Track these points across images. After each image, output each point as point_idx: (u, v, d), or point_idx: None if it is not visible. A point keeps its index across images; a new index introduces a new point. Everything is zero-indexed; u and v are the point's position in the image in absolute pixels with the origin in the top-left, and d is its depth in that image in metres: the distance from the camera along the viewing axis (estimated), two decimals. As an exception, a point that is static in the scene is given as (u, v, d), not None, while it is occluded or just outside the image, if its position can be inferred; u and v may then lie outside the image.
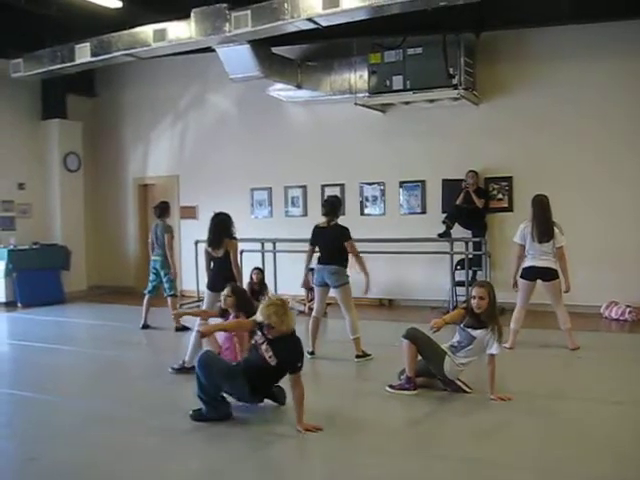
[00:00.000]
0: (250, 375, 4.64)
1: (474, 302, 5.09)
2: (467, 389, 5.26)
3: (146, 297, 8.69)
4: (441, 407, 5.03)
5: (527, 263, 6.87)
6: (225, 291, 5.55)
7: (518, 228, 6.97)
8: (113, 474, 3.92)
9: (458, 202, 9.37)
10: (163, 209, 8.73)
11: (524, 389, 5.34)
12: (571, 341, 6.81)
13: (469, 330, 5.16)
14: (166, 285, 8.57)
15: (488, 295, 5.08)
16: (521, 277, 6.91)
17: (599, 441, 4.22)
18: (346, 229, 6.69)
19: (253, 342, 4.73)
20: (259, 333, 4.63)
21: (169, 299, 8.53)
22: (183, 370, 6.01)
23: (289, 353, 4.53)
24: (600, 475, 3.71)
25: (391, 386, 5.35)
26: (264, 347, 4.58)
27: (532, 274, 6.83)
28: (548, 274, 6.77)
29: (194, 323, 6.15)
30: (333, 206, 6.78)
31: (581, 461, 3.89)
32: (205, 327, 5.18)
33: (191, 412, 4.72)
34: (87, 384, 6.13)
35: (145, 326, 8.63)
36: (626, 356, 6.62)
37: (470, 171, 9.38)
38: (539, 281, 6.87)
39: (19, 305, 10.76)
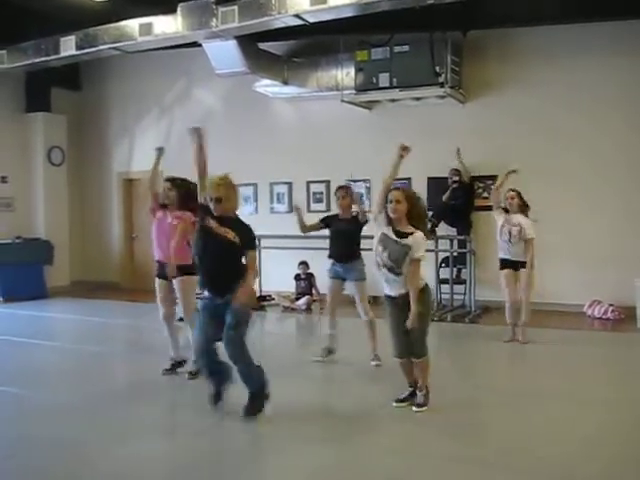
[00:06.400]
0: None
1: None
2: None
3: None
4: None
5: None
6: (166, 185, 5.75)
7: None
8: (93, 470, 3.89)
9: (444, 199, 9.37)
10: None
11: (508, 388, 5.36)
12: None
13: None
14: None
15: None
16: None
17: (582, 440, 4.24)
18: None
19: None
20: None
21: None
22: (177, 366, 5.94)
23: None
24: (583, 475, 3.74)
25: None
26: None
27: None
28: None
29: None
30: None
31: (560, 461, 3.91)
32: None
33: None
34: (68, 379, 6.07)
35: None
36: (609, 354, 6.70)
37: (453, 169, 9.40)
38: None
39: (0, 300, 10.66)
